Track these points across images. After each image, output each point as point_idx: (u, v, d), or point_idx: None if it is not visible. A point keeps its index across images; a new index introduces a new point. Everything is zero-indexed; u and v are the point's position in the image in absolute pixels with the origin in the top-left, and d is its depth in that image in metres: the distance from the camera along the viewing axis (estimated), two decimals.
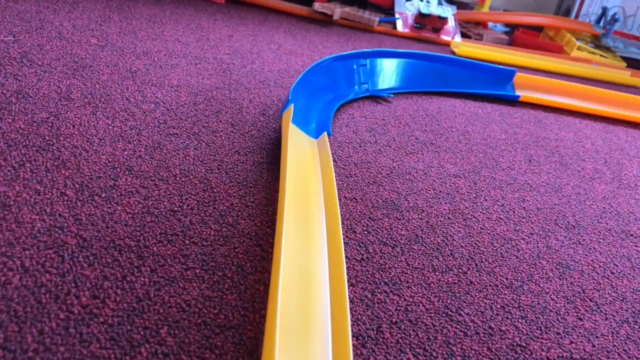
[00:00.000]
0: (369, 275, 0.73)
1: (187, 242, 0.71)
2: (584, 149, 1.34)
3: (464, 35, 2.38)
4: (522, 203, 1.00)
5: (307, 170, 0.89)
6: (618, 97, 1.66)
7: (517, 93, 1.59)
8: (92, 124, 0.94)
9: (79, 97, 1.02)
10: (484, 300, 0.73)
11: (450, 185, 1.01)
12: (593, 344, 0.69)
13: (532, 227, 0.93)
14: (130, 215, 0.73)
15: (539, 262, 0.83)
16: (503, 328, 0.68)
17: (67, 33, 1.32)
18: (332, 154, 1.03)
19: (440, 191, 0.98)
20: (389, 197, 0.93)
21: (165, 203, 0.78)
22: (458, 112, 1.41)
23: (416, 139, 1.19)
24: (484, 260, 0.81)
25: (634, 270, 0.87)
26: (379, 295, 0.69)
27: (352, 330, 0.63)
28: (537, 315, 0.72)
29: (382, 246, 0.79)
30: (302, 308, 0.61)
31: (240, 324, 0.60)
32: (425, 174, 1.04)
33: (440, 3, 2.32)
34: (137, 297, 0.61)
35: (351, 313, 0.66)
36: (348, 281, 0.71)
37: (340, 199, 0.89)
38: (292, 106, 1.02)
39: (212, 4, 1.99)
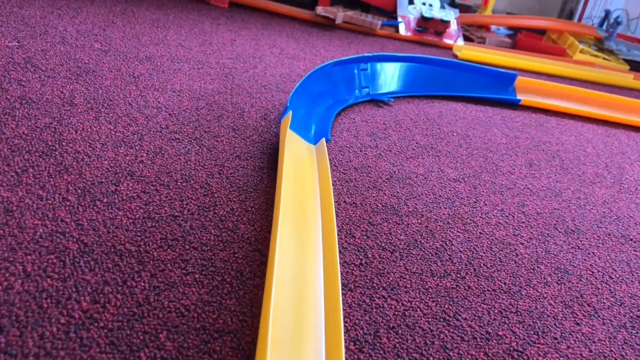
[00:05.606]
0: (367, 280, 0.73)
1: (187, 247, 0.72)
2: (585, 153, 1.34)
3: (466, 39, 2.38)
4: (522, 208, 1.01)
5: (304, 177, 0.90)
6: (620, 101, 1.66)
7: (518, 97, 1.59)
8: (94, 129, 0.95)
9: (82, 102, 1.03)
10: (482, 305, 0.73)
11: (450, 190, 1.01)
12: (590, 349, 0.69)
13: (531, 232, 0.93)
14: (131, 221, 0.74)
15: (538, 267, 0.84)
16: (500, 333, 0.69)
17: (70, 38, 1.34)
18: (333, 158, 1.04)
19: (440, 196, 0.99)
20: (389, 201, 0.93)
21: (166, 208, 0.79)
22: (459, 116, 1.42)
23: (417, 143, 1.19)
24: (482, 265, 0.82)
25: (633, 275, 0.87)
26: (377, 300, 0.70)
27: (349, 335, 0.64)
28: (534, 320, 0.72)
29: (380, 251, 0.80)
30: (295, 313, 0.62)
31: (239, 329, 0.61)
32: (426, 178, 1.04)
33: (442, 6, 2.32)
34: (137, 302, 0.62)
35: (349, 318, 0.66)
36: (346, 286, 0.71)
37: (340, 204, 0.90)
38: (290, 113, 1.02)
39: (216, 8, 2.00)
